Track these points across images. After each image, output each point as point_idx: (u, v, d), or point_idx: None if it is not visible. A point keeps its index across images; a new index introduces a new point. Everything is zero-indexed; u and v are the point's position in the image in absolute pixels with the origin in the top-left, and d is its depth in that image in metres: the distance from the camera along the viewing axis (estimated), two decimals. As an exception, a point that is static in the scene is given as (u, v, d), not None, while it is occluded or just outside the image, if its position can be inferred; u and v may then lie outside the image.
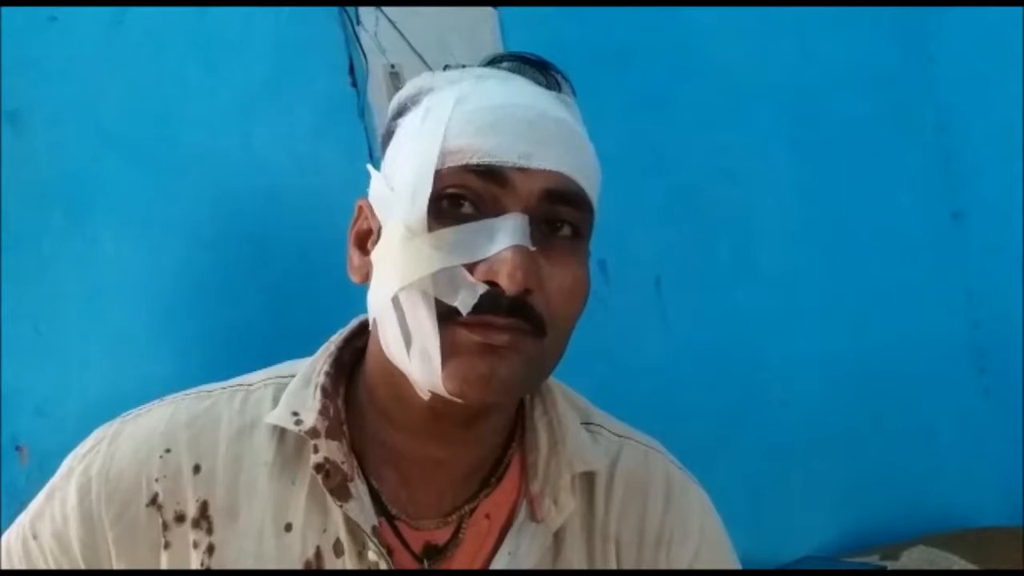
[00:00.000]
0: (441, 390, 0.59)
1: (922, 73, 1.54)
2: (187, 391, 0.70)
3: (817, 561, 1.36)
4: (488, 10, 1.22)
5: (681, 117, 1.36)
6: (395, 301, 0.60)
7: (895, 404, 1.49)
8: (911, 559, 1.32)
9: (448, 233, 0.58)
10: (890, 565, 1.31)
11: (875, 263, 1.50)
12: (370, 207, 0.65)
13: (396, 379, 0.63)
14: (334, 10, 1.13)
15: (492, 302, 0.57)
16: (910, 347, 1.50)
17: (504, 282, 0.57)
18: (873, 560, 1.33)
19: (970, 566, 1.28)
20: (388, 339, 0.62)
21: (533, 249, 0.58)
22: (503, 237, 0.58)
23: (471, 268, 0.58)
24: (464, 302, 0.57)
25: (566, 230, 0.62)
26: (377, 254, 0.62)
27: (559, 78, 0.66)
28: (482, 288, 0.57)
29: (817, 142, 1.46)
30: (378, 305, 0.62)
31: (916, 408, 1.51)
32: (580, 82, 0.69)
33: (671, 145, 1.35)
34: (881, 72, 1.52)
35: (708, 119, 1.38)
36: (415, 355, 0.59)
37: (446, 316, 0.58)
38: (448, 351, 0.58)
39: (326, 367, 0.68)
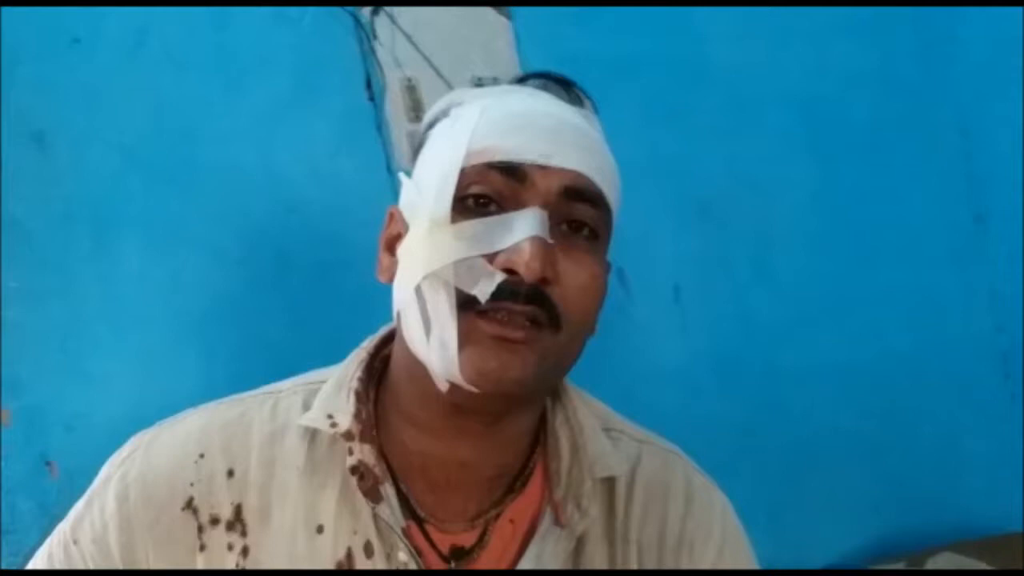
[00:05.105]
0: (458, 379, 0.61)
1: (941, 75, 1.53)
2: (220, 400, 0.72)
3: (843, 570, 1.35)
4: (503, 22, 1.22)
5: (697, 125, 1.36)
6: (418, 290, 0.62)
7: (919, 410, 1.48)
8: (937, 566, 1.30)
9: (470, 225, 0.61)
10: (916, 573, 1.29)
11: (896, 268, 1.49)
12: (400, 213, 0.68)
13: (419, 378, 0.64)
14: (350, 25, 1.14)
15: (510, 290, 0.60)
16: (934, 352, 1.49)
17: (522, 270, 0.59)
18: (898, 568, 1.31)
19: (996, 571, 1.26)
20: (410, 330, 0.64)
21: (551, 242, 0.60)
22: (522, 229, 0.60)
23: (491, 259, 0.60)
24: (483, 290, 0.59)
25: (585, 230, 0.64)
26: (402, 250, 0.65)
27: (582, 95, 0.70)
28: (500, 276, 0.60)
29: (835, 147, 1.45)
30: (402, 297, 0.64)
31: (940, 414, 1.49)
32: (595, 92, 0.72)
33: (687, 153, 1.35)
34: (899, 75, 1.51)
35: (724, 126, 1.38)
36: (434, 343, 0.61)
37: (465, 305, 0.60)
38: (465, 340, 0.60)
39: (359, 373, 0.70)
